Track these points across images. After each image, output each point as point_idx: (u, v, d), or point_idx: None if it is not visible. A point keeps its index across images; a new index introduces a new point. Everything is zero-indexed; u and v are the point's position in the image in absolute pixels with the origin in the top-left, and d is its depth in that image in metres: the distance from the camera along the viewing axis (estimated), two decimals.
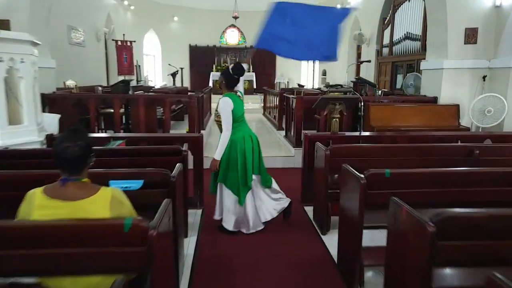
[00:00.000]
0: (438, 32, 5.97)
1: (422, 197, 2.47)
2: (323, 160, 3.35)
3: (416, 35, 8.14)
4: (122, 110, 6.50)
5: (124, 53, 11.20)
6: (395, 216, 1.94)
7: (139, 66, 13.47)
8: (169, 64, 14.16)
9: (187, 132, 5.92)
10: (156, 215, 1.68)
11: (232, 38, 16.91)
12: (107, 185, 1.97)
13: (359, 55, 12.95)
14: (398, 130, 5.13)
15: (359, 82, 6.68)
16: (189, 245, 3.23)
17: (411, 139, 4.12)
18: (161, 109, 5.94)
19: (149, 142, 3.90)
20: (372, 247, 2.62)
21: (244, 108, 3.42)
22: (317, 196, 3.61)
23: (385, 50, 9.77)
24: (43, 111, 4.97)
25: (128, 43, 11.44)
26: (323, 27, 3.28)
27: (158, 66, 15.91)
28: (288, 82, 16.43)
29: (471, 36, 5.77)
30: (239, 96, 3.41)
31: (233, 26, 16.57)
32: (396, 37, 9.09)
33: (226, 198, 3.43)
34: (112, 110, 5.78)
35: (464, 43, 5.79)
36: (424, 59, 7.56)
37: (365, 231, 2.49)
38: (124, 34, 11.33)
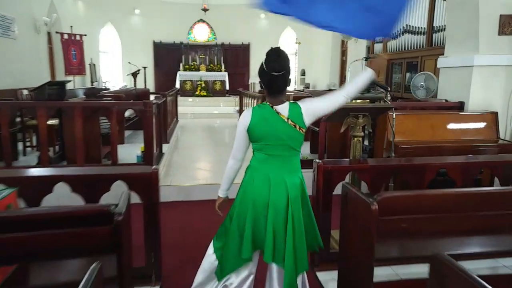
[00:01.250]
0: (464, 21, 4.72)
1: None
2: (366, 219, 1.95)
3: (419, 28, 6.94)
4: (55, 122, 4.85)
5: (72, 49, 9.41)
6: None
7: (94, 65, 11.66)
8: (129, 63, 12.43)
9: (142, 151, 4.38)
10: None
11: (201, 34, 15.32)
12: None
13: (343, 53, 11.75)
14: (430, 148, 3.83)
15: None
16: None
17: (463, 169, 2.82)
18: (107, 120, 4.37)
19: (70, 183, 2.37)
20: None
21: (278, 130, 1.89)
22: (354, 274, 2.20)
23: (378, 47, 8.57)
24: None
25: (78, 37, 9.65)
26: None
27: (118, 65, 14.09)
28: None
29: (506, 24, 4.57)
30: (275, 110, 1.89)
31: (202, 21, 15.00)
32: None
33: (206, 257, 2.12)
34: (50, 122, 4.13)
35: (499, 34, 4.57)
36: (433, 55, 6.38)
37: None
38: (72, 26, 9.54)
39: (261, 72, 1.89)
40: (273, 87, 1.89)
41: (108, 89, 9.14)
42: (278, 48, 1.89)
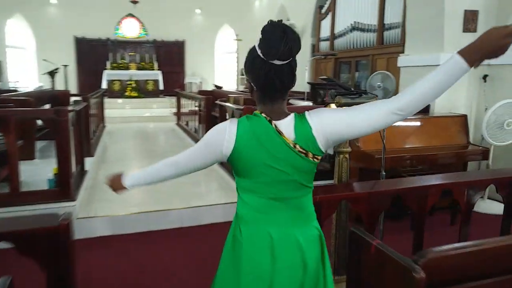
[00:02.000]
0: (427, 18, 4.36)
1: None
2: None
3: (368, 25, 6.60)
4: None
5: None
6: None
7: (0, 61, 9.91)
8: (44, 60, 10.79)
9: (55, 174, 3.35)
10: None
11: (130, 29, 13.94)
12: None
13: None
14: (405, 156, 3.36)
15: (327, 84, 4.81)
16: None
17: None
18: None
19: None
20: None
21: (280, 160, 1.17)
22: None
23: (324, 44, 8.16)
24: None
25: None
26: None
27: (32, 62, 12.24)
28: (201, 82, 14.12)
29: (470, 21, 4.28)
30: (276, 128, 1.15)
31: (131, 15, 13.66)
32: (339, 28, 7.50)
33: None
34: None
35: (463, 31, 4.27)
36: (385, 54, 6.06)
37: None
38: None
39: (252, 61, 1.16)
40: (273, 87, 1.15)
41: (16, 90, 7.65)
42: (282, 22, 1.13)
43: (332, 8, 7.70)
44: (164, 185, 4.23)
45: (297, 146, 1.14)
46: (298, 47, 1.12)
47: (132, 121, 9.72)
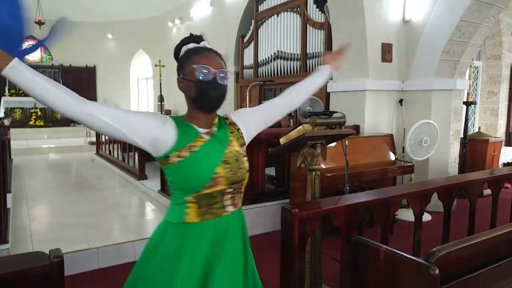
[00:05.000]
0: (353, 46, 4.87)
1: None
2: None
3: (291, 54, 7.09)
4: None
5: None
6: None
7: None
8: None
9: None
10: None
11: (32, 53, 12.77)
12: None
13: None
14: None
15: None
16: None
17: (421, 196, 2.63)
18: None
19: None
20: None
21: None
22: None
23: (248, 72, 8.49)
24: None
25: None
26: None
27: None
28: None
29: (387, 52, 4.90)
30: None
31: (32, 37, 12.52)
32: (262, 57, 7.90)
33: None
34: None
35: (382, 61, 4.86)
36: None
37: None
38: None
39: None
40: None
41: None
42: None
43: (255, 37, 8.09)
44: (107, 220, 3.93)
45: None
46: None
47: (42, 153, 8.80)
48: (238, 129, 1.40)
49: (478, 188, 2.95)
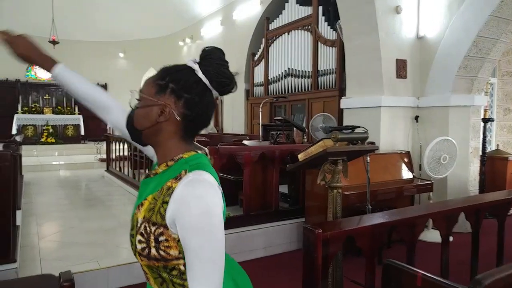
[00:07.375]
0: (366, 64, 4.81)
1: None
2: None
3: (302, 71, 7.05)
4: None
5: None
6: None
7: None
8: None
9: None
10: None
11: (43, 71, 12.91)
12: None
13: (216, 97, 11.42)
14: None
15: (284, 125, 4.91)
16: None
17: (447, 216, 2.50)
18: None
19: None
20: None
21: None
22: None
23: (258, 90, 8.46)
24: None
25: None
26: None
27: None
28: None
29: (401, 69, 4.83)
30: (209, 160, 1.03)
31: None
32: (273, 74, 7.88)
33: None
34: None
35: (396, 77, 4.79)
36: (320, 98, 6.47)
37: None
38: None
39: (193, 87, 0.97)
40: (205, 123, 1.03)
41: None
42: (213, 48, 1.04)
43: (265, 55, 8.10)
44: (117, 238, 3.84)
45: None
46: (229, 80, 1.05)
47: (52, 170, 8.78)
48: (166, 202, 0.92)
49: (506, 207, 2.81)
